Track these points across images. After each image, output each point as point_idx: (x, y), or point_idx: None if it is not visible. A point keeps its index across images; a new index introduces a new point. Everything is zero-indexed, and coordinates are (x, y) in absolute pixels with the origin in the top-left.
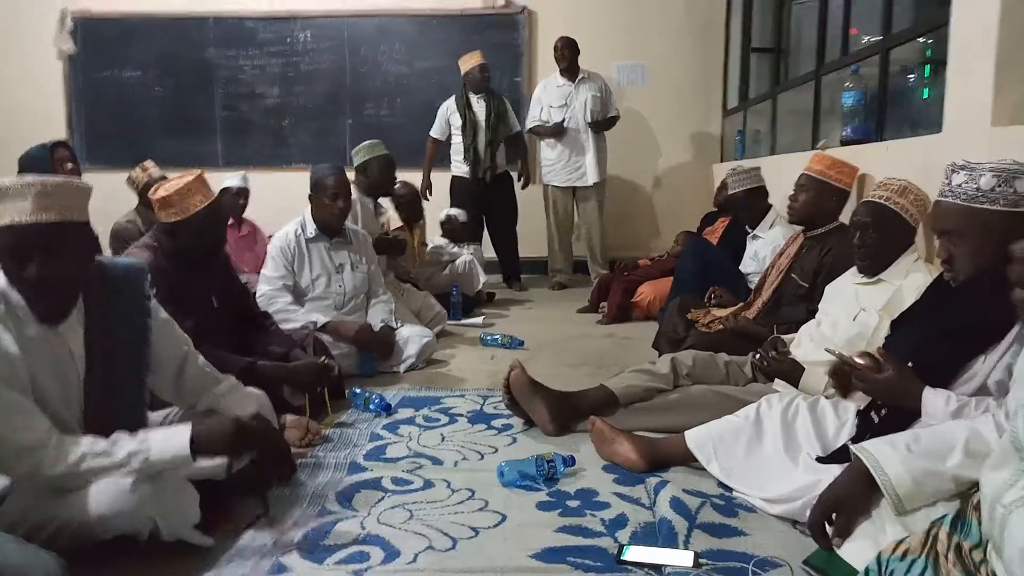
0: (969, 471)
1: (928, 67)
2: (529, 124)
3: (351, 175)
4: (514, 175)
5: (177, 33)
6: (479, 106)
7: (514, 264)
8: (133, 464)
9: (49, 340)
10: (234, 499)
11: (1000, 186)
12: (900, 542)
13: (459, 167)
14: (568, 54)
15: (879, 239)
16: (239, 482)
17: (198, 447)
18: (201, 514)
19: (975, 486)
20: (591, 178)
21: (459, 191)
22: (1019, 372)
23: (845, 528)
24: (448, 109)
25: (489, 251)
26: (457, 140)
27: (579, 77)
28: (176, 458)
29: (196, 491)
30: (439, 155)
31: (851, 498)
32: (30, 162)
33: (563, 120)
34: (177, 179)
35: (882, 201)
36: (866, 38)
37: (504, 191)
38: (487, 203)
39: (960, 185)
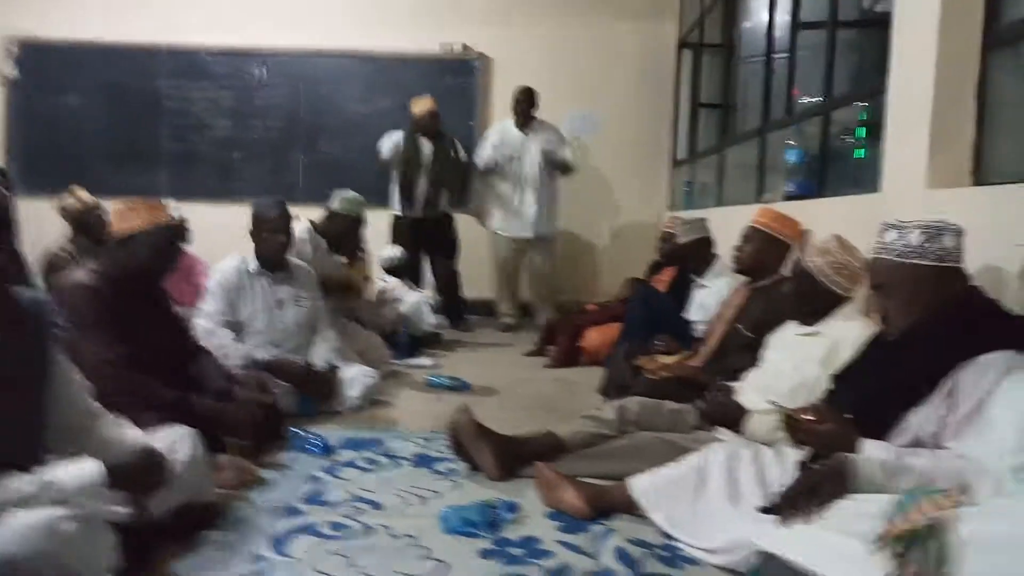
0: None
1: (864, 129)
2: (480, 165)
3: (317, 214)
4: (457, 216)
5: (126, 62)
6: (426, 150)
7: (457, 304)
8: (47, 493)
9: None
10: (155, 546)
11: (928, 242)
12: None
13: (397, 205)
14: (521, 108)
15: (795, 294)
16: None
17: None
18: (120, 561)
19: None
20: (532, 231)
21: (399, 230)
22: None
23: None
24: (396, 140)
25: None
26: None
27: (532, 128)
28: (87, 484)
29: (113, 535)
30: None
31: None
32: None
33: (509, 160)
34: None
35: (803, 258)
36: (805, 98)
37: (443, 230)
38: (426, 242)
39: (891, 242)
